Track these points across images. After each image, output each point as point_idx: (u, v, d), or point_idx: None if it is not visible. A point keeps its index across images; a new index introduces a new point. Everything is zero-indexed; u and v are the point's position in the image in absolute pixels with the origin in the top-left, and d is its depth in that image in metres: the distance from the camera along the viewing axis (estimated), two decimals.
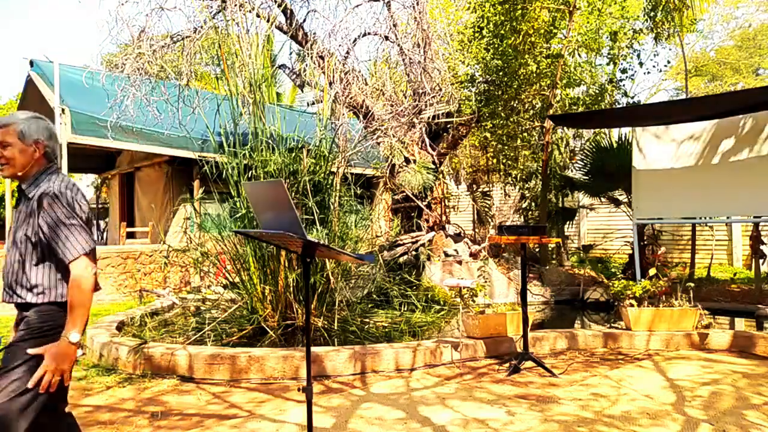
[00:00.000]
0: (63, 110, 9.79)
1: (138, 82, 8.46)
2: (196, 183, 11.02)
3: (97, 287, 2.28)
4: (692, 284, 5.81)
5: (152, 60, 8.34)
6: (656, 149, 7.24)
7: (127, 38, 8.71)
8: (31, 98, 11.91)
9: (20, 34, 53.39)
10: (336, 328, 5.38)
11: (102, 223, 19.39)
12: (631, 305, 5.53)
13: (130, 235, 12.63)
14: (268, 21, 7.78)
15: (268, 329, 5.23)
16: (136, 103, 8.55)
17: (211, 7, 8.51)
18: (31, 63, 11.30)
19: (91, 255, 2.18)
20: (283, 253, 5.32)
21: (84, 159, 14.11)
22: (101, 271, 9.04)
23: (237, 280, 5.88)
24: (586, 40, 9.81)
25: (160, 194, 12.55)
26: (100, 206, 20.61)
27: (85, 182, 24.54)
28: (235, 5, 7.12)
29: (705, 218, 8.01)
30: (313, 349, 4.54)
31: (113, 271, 9.49)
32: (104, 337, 5.09)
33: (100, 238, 18.44)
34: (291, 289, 5.39)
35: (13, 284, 2.19)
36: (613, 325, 6.00)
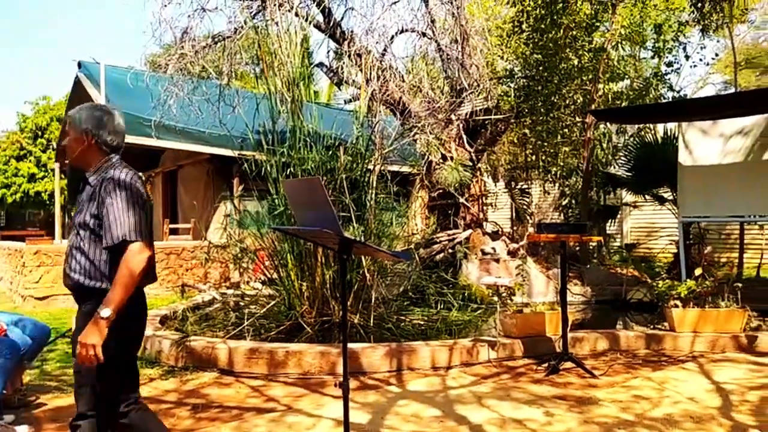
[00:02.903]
0: None
1: (180, 82, 8.67)
2: (235, 180, 11.21)
3: (152, 276, 2.29)
4: (740, 284, 5.58)
5: (194, 60, 8.52)
6: (703, 145, 6.99)
7: (170, 39, 8.93)
8: (79, 98, 12.32)
9: (69, 34, 55.42)
10: (372, 325, 5.40)
11: None
12: (676, 306, 5.36)
13: (173, 232, 12.95)
14: (306, 20, 7.85)
15: (305, 325, 5.29)
16: (178, 102, 8.76)
17: (251, 7, 8.64)
18: (79, 64, 11.72)
19: (147, 241, 2.18)
20: (320, 249, 5.37)
21: (129, 157, 14.47)
22: None
23: (275, 276, 5.97)
24: (629, 33, 9.54)
25: (201, 191, 12.82)
26: None
27: None
28: (275, 5, 7.21)
29: (754, 216, 7.69)
30: (350, 345, 4.56)
31: (157, 266, 9.72)
32: (148, 331, 5.22)
33: None
34: (327, 285, 5.44)
35: (67, 269, 2.23)
36: (656, 326, 5.83)
